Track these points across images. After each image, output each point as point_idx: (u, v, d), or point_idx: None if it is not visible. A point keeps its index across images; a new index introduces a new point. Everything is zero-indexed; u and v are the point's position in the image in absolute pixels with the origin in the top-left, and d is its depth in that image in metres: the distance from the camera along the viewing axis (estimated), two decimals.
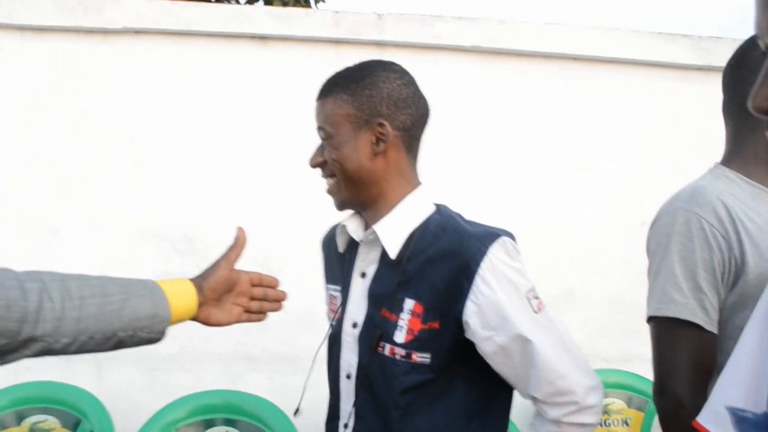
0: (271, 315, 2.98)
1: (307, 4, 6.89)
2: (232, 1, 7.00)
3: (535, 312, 1.24)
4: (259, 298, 1.32)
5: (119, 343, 1.12)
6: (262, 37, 2.95)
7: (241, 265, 3.01)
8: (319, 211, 2.84)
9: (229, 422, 2.43)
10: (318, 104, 1.34)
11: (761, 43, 0.71)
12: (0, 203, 2.81)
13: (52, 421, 2.48)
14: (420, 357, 1.25)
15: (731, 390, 0.88)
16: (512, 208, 2.95)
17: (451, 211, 1.36)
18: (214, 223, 2.85)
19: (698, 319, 1.22)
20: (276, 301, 1.35)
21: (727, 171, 1.33)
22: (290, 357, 2.86)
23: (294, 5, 6.68)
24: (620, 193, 3.07)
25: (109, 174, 2.87)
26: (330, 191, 1.36)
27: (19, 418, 2.49)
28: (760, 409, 0.80)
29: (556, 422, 1.24)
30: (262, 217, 2.89)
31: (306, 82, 2.93)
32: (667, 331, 1.26)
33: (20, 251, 2.79)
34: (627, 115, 3.09)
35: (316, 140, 3.17)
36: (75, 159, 2.87)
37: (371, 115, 1.28)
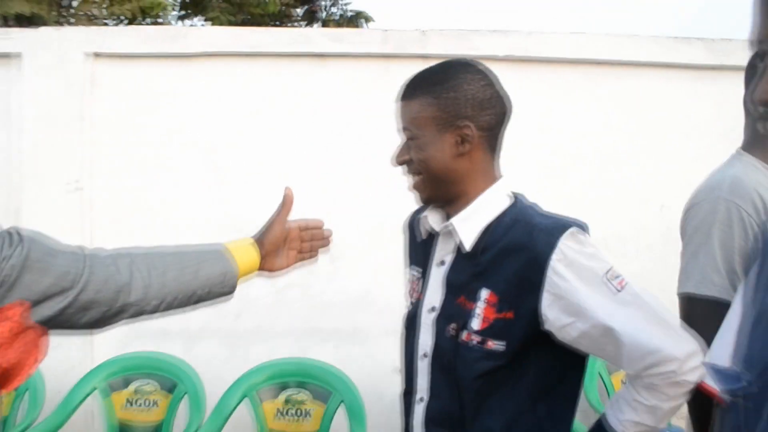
0: (333, 296, 3.08)
1: (358, 25, 6.97)
2: (294, 25, 7.13)
3: (618, 291, 1.14)
4: (309, 240, 1.39)
5: (198, 299, 1.21)
6: (320, 56, 3.04)
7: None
8: (375, 205, 2.94)
9: (300, 385, 2.48)
10: (402, 105, 1.26)
11: (759, 48, 0.72)
12: (101, 207, 2.97)
13: (153, 385, 2.56)
14: (495, 344, 1.19)
15: (714, 350, 0.94)
16: (544, 200, 2.95)
17: (526, 202, 1.29)
18: None
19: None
20: (323, 239, 1.41)
21: (752, 159, 1.30)
22: (350, 330, 2.94)
23: (347, 26, 6.76)
24: (642, 183, 3.04)
25: (194, 178, 3.01)
26: (414, 187, 1.30)
27: (126, 382, 2.59)
28: (725, 363, 0.85)
29: (651, 386, 1.15)
30: (324, 212, 2.94)
31: (359, 93, 3.02)
32: (704, 310, 1.23)
33: (122, 245, 2.91)
34: (647, 112, 3.07)
35: (371, 142, 3.25)
36: (163, 167, 3.01)
37: (455, 117, 1.21)
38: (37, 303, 0.96)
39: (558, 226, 1.17)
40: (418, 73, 1.26)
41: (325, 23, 6.99)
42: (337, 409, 2.41)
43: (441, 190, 1.27)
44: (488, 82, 1.24)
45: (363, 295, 2.94)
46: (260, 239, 1.32)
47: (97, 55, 3.00)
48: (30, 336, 0.87)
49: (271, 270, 1.35)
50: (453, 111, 1.21)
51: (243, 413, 2.47)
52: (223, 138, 3.01)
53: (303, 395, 2.45)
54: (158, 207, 2.98)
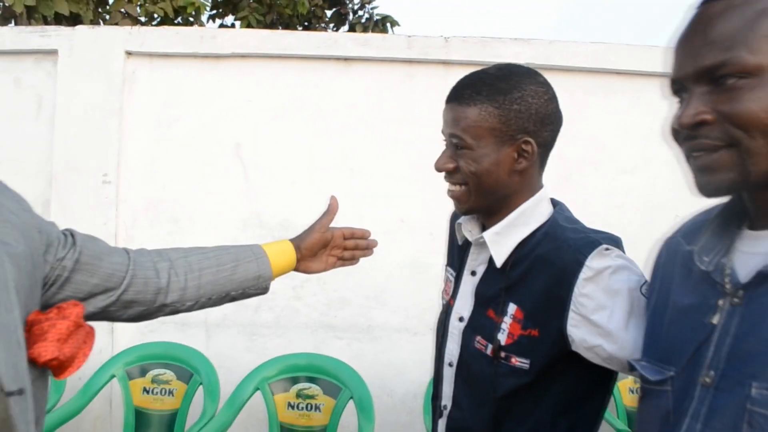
0: (350, 292, 3.13)
1: (384, 29, 6.99)
2: (322, 26, 7.19)
3: None
4: (352, 248, 1.43)
5: (232, 299, 1.27)
6: (346, 59, 3.07)
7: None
8: (394, 206, 2.98)
9: (311, 380, 2.53)
10: (454, 108, 1.16)
11: (673, 87, 0.83)
12: (135, 198, 3.06)
13: (169, 374, 2.63)
14: (519, 361, 1.13)
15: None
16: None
17: (563, 213, 1.22)
18: (304, 214, 2.97)
19: None
20: (367, 248, 1.45)
21: None
22: (365, 327, 2.98)
23: (374, 30, 6.79)
24: (658, 192, 3.04)
25: (221, 174, 3.07)
26: (457, 197, 1.21)
27: (144, 371, 2.66)
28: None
29: None
30: (344, 210, 2.98)
31: (383, 96, 3.06)
32: None
33: (149, 236, 3.03)
34: (664, 121, 3.05)
35: (392, 144, 3.27)
36: (194, 162, 3.08)
37: (517, 131, 1.13)
38: (83, 300, 1.04)
39: (587, 243, 1.10)
40: (475, 74, 1.17)
41: (353, 26, 7.03)
42: (346, 403, 2.45)
43: (484, 203, 1.20)
44: (551, 96, 1.17)
45: (378, 293, 2.99)
46: (299, 242, 1.35)
47: (130, 53, 3.08)
48: (82, 333, 0.95)
49: (306, 272, 1.39)
50: (516, 125, 1.13)
51: (256, 404, 2.53)
52: (250, 137, 3.08)
53: (314, 389, 2.50)
54: (186, 201, 3.05)
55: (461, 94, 1.15)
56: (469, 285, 1.26)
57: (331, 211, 1.40)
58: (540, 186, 1.22)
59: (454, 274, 1.33)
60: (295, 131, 3.07)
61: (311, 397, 2.50)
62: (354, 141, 3.06)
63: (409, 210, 2.98)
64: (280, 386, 2.53)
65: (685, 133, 0.80)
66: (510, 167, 1.16)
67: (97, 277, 1.06)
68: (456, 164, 1.17)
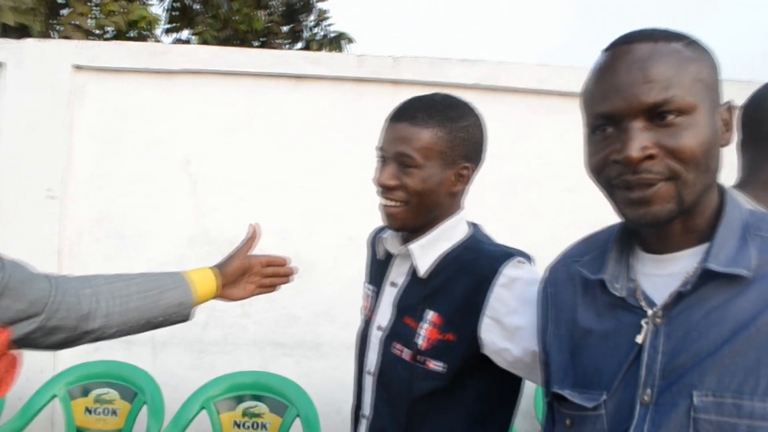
0: (298, 309, 3.12)
1: (339, 47, 7.02)
2: (278, 43, 7.16)
3: None
4: (271, 275, 1.43)
5: (155, 326, 1.26)
6: (297, 77, 3.08)
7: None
8: (343, 222, 2.99)
9: (257, 398, 2.50)
10: (407, 129, 1.20)
11: (598, 121, 0.86)
12: (82, 213, 2.99)
13: (113, 393, 2.56)
14: (435, 365, 1.19)
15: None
16: (509, 226, 2.98)
17: (480, 231, 1.31)
18: None
19: None
20: (286, 275, 1.45)
21: (736, 194, 1.29)
22: (315, 344, 2.97)
23: (329, 47, 6.81)
24: (601, 209, 3.09)
25: (169, 190, 3.03)
26: (394, 213, 1.24)
27: (86, 390, 2.58)
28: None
29: None
30: (294, 227, 3.01)
31: (332, 114, 3.07)
32: None
33: (95, 253, 2.96)
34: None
35: (341, 162, 3.27)
36: (142, 178, 3.03)
37: (459, 157, 1.22)
38: (7, 326, 1.02)
39: (504, 254, 1.20)
40: (423, 99, 1.24)
41: (309, 43, 7.04)
42: (293, 421, 2.43)
43: (419, 221, 1.25)
44: (483, 125, 1.27)
45: (326, 310, 2.98)
46: (219, 271, 1.35)
47: (79, 68, 3.02)
48: (9, 357, 0.93)
49: (226, 299, 1.39)
50: (459, 151, 1.22)
51: (202, 423, 2.48)
52: (200, 152, 3.05)
53: (260, 407, 2.47)
54: (133, 217, 3.00)
55: (414, 116, 1.21)
56: (389, 296, 1.31)
57: (251, 238, 1.40)
58: (462, 208, 1.31)
59: (373, 289, 1.38)
60: (246, 148, 3.06)
61: (257, 415, 2.47)
62: (304, 158, 3.06)
63: (358, 227, 2.96)
64: (226, 405, 2.49)
65: (621, 168, 0.82)
66: (448, 189, 1.23)
67: (21, 303, 1.04)
68: (399, 182, 1.21)
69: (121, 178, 3.02)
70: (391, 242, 1.34)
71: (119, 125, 3.05)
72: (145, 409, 2.49)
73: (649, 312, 0.84)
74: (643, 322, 0.84)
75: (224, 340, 2.94)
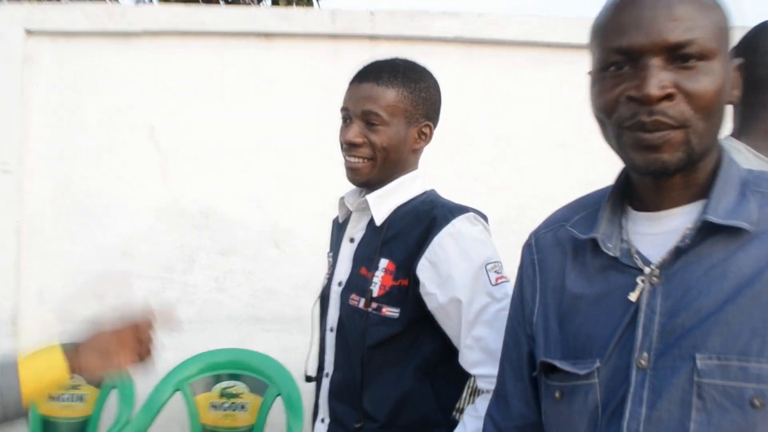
0: (277, 282, 2.95)
1: (309, 4, 6.73)
2: (244, 2, 6.84)
3: (491, 284, 1.19)
4: (147, 341, 1.21)
5: None
6: (267, 35, 2.89)
7: (252, 236, 2.90)
8: (321, 189, 2.80)
9: (234, 377, 2.34)
10: (373, 89, 1.27)
11: (615, 56, 0.81)
12: (42, 187, 2.80)
13: (77, 378, 2.40)
14: (389, 311, 1.23)
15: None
16: (497, 184, 2.86)
17: (437, 194, 1.36)
18: (226, 200, 2.81)
19: None
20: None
21: (737, 143, 1.27)
22: (295, 318, 2.79)
23: (298, 4, 6.52)
24: (589, 166, 2.92)
25: (135, 160, 2.85)
26: (359, 168, 1.29)
27: None
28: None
29: (481, 396, 1.19)
30: (270, 195, 2.84)
31: (307, 74, 2.87)
32: None
33: (58, 230, 2.78)
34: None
35: (318, 124, 3.07)
36: (105, 148, 2.84)
37: (422, 116, 1.30)
38: None
39: (459, 208, 1.26)
40: (384, 62, 1.32)
41: (276, 1, 6.75)
42: (274, 401, 2.28)
43: (382, 177, 1.30)
44: (439, 87, 1.36)
45: (307, 282, 2.80)
46: (75, 352, 1.12)
47: (30, 32, 2.81)
48: None
49: (89, 376, 1.16)
50: (422, 110, 1.30)
51: (176, 407, 2.33)
52: (165, 119, 2.86)
53: (238, 387, 2.32)
54: (97, 190, 2.81)
55: (379, 76, 1.27)
56: (347, 251, 1.35)
57: (127, 318, 1.20)
58: (418, 167, 1.37)
59: (332, 253, 1.43)
60: (215, 113, 2.86)
61: (236, 395, 2.32)
62: (278, 122, 2.87)
63: (339, 192, 2.79)
64: (202, 385, 2.35)
65: (635, 108, 0.78)
66: (411, 146, 1.31)
67: None
68: (365, 139, 1.27)
69: (81, 150, 2.83)
70: (349, 201, 1.38)
71: (77, 93, 2.84)
72: (114, 394, 2.36)
73: (646, 270, 0.81)
74: (638, 280, 0.81)
75: (198, 317, 2.76)
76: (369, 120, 1.26)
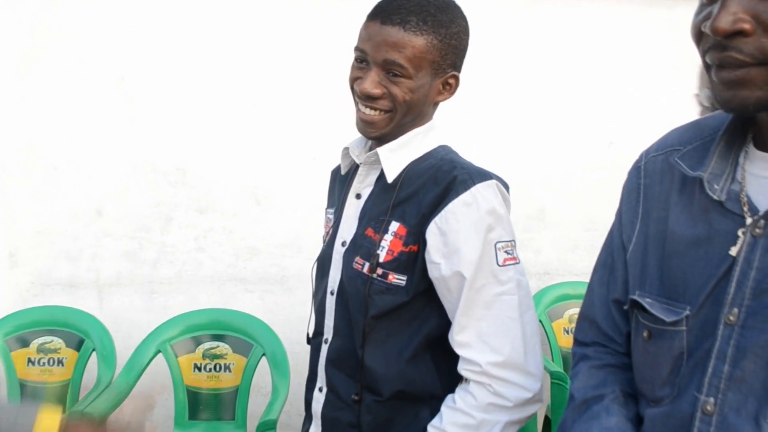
0: (260, 240, 2.95)
1: None
2: None
3: (498, 265, 1.13)
4: None
5: None
6: None
7: (233, 192, 2.88)
8: (304, 141, 2.79)
9: (218, 337, 2.38)
10: (398, 35, 1.13)
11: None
12: (3, 142, 2.74)
13: (57, 342, 2.42)
14: (396, 278, 1.17)
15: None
16: (487, 138, 2.85)
17: (454, 150, 1.26)
18: (203, 156, 2.78)
19: None
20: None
21: None
22: (279, 278, 2.83)
23: None
24: (589, 118, 2.95)
25: (103, 112, 2.77)
26: (375, 121, 1.19)
27: (26, 340, 2.43)
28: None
29: (463, 386, 1.16)
30: (250, 149, 2.81)
31: (286, 15, 2.81)
32: None
33: (23, 186, 2.73)
34: (594, 43, 2.95)
35: (301, 76, 3.02)
36: (70, 101, 2.77)
37: (449, 66, 1.19)
38: None
39: (482, 173, 1.17)
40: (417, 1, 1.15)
41: None
42: (259, 361, 2.32)
43: (399, 131, 1.21)
44: (469, 31, 1.23)
45: (291, 241, 2.81)
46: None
47: None
48: None
49: None
50: (449, 59, 1.18)
51: (159, 368, 2.36)
52: (135, 69, 2.78)
53: (222, 348, 2.35)
54: (64, 147, 2.74)
55: (407, 20, 1.13)
56: (353, 208, 1.27)
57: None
58: (433, 119, 1.27)
59: (334, 210, 1.35)
60: (188, 61, 2.79)
61: (219, 356, 2.36)
62: (257, 70, 2.81)
63: (323, 145, 2.77)
64: (184, 347, 2.37)
65: (712, 41, 0.73)
66: (434, 98, 1.21)
67: None
68: (385, 90, 1.16)
69: (45, 104, 2.74)
70: (356, 154, 1.29)
71: (37, 41, 2.74)
72: (94, 356, 2.37)
73: (749, 220, 0.77)
74: (740, 232, 0.78)
75: (178, 278, 2.77)
76: (391, 70, 1.14)
